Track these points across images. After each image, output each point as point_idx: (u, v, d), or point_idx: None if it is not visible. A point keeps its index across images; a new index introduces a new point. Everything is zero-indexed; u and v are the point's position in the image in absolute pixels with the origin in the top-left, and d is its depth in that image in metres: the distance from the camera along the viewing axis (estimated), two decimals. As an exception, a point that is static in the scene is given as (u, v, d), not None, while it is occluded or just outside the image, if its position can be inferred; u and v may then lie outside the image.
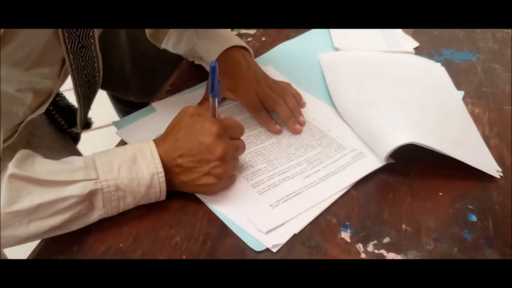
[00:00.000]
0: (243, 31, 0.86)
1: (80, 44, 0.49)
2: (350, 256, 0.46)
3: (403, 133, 0.54)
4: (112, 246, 0.46)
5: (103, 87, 0.99)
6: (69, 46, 0.48)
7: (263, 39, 0.83)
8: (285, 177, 0.54)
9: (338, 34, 0.83)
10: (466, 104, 0.67)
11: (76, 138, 0.75)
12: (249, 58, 0.65)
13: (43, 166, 0.44)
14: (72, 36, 0.48)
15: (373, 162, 0.56)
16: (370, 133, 0.58)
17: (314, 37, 0.84)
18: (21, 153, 0.44)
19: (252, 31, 0.85)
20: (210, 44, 0.65)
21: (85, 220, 0.46)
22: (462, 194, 0.53)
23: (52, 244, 0.47)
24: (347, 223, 0.49)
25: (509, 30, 0.86)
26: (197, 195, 0.51)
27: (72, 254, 0.46)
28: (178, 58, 0.75)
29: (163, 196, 0.48)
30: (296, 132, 0.61)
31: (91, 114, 0.69)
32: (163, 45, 0.73)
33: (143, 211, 0.49)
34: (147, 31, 0.73)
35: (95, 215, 0.46)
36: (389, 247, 0.47)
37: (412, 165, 0.56)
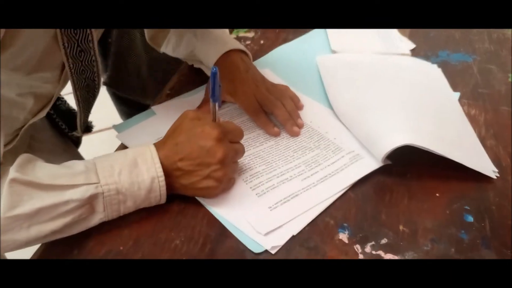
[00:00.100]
0: (241, 34, 0.86)
1: (79, 48, 0.50)
2: (348, 257, 0.46)
3: (400, 135, 0.55)
4: (112, 249, 0.47)
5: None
6: (68, 50, 0.49)
7: (262, 42, 0.84)
8: (284, 179, 0.54)
9: (336, 37, 0.83)
10: (462, 105, 0.68)
11: (77, 142, 0.75)
12: (247, 62, 0.65)
13: (44, 170, 0.44)
14: (71, 40, 0.48)
15: (370, 164, 0.56)
16: (367, 135, 0.58)
17: (312, 40, 0.84)
18: (22, 158, 0.44)
19: (250, 35, 0.86)
20: (209, 47, 0.66)
21: (85, 224, 0.46)
22: (459, 195, 0.53)
23: (53, 247, 0.47)
24: (345, 224, 0.50)
25: (505, 31, 0.87)
26: (197, 198, 0.51)
27: (73, 257, 0.46)
28: None
29: (163, 200, 0.49)
30: (294, 134, 0.61)
31: (92, 117, 0.69)
32: (163, 49, 0.74)
33: (143, 214, 0.49)
34: (147, 34, 0.74)
35: (96, 219, 0.46)
36: (387, 248, 0.47)
37: (409, 167, 0.56)
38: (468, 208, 0.52)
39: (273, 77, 0.72)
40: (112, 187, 0.45)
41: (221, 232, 0.49)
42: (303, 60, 0.78)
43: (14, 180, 0.41)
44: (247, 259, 0.46)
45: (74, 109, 0.70)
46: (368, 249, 0.47)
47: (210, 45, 0.66)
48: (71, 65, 0.51)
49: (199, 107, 0.65)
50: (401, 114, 0.60)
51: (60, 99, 0.70)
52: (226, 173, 0.49)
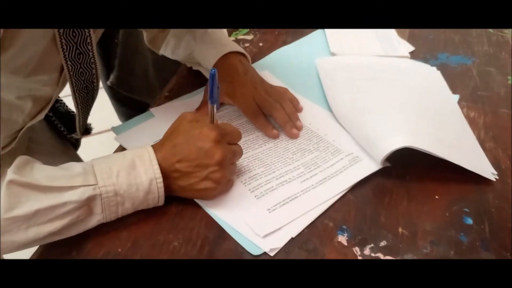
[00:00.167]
0: (240, 37, 0.86)
1: (77, 51, 0.50)
2: (347, 260, 0.46)
3: (399, 137, 0.55)
4: (110, 250, 0.47)
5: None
6: (66, 53, 0.49)
7: (261, 44, 0.84)
8: (283, 181, 0.54)
9: (335, 39, 0.84)
10: (462, 107, 0.68)
11: (76, 144, 0.75)
12: (246, 64, 0.66)
13: (42, 172, 0.44)
14: (70, 43, 0.48)
15: (369, 166, 0.56)
16: (366, 137, 0.58)
17: (311, 42, 0.84)
18: (20, 159, 0.44)
19: (249, 37, 0.86)
20: (208, 50, 0.66)
21: (83, 226, 0.46)
22: (458, 197, 0.53)
23: (51, 249, 0.47)
24: (344, 226, 0.50)
25: (504, 33, 0.87)
26: (195, 199, 0.51)
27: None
28: None
29: (161, 201, 0.49)
30: (293, 136, 0.61)
31: (91, 120, 0.69)
32: (162, 51, 0.74)
33: (141, 216, 0.49)
34: (146, 37, 0.74)
35: (94, 221, 0.46)
36: (386, 251, 0.47)
37: (409, 169, 0.56)
38: (468, 210, 0.52)
39: (272, 79, 0.72)
40: (110, 188, 0.45)
41: (220, 234, 0.48)
42: (302, 62, 0.78)
43: (12, 182, 0.41)
44: (245, 259, 0.46)
45: (73, 111, 0.70)
46: (367, 251, 0.47)
47: (209, 47, 0.66)
48: (70, 68, 0.51)
49: (198, 109, 0.65)
50: (400, 116, 0.60)
51: (59, 101, 0.70)
52: (224, 174, 0.49)
